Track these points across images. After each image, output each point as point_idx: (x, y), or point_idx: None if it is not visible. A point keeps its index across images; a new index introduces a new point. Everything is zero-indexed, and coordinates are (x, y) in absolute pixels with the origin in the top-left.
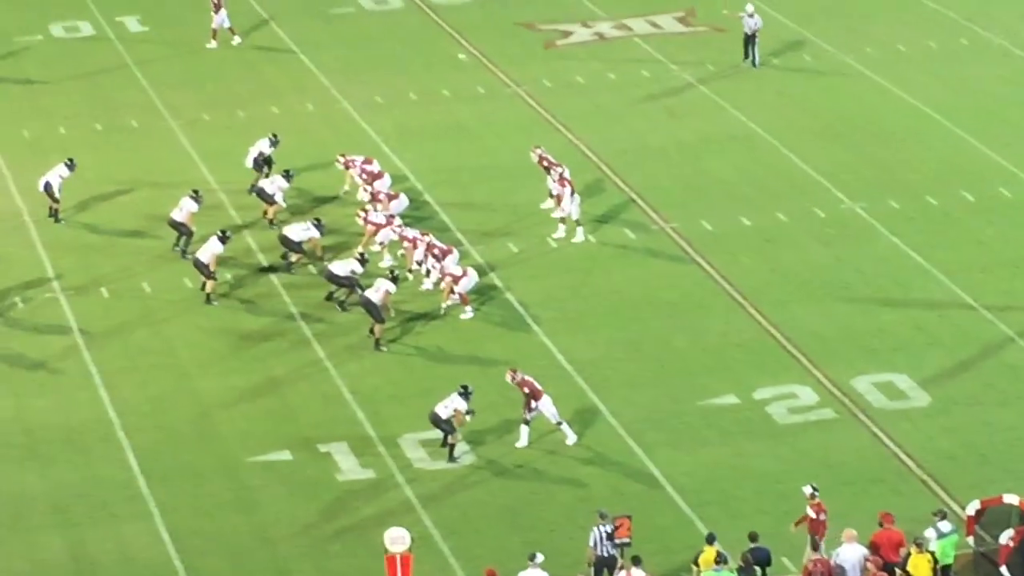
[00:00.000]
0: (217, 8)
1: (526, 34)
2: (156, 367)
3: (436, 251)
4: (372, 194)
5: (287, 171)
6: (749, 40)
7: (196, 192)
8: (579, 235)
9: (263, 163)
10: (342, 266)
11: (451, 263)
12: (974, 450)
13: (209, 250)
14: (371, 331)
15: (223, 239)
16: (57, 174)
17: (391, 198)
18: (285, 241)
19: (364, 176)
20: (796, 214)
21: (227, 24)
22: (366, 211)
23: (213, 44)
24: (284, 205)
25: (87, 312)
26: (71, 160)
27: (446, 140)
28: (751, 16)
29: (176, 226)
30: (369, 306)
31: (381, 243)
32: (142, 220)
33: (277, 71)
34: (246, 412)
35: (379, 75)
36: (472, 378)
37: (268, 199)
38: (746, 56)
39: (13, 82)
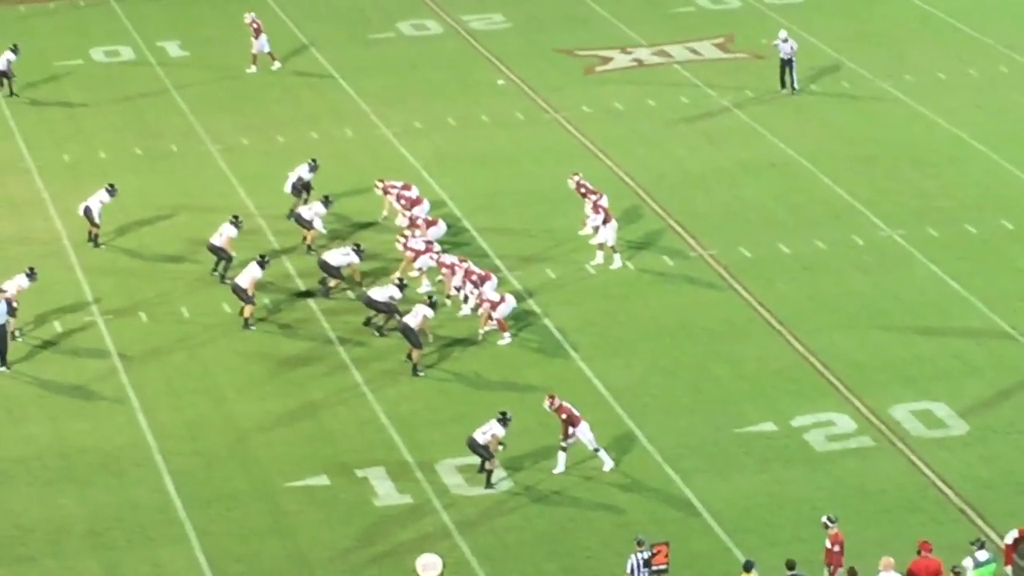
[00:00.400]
0: (257, 33)
1: (565, 60)
2: (194, 391)
3: (474, 277)
4: (410, 220)
5: (326, 197)
6: (786, 65)
7: (236, 218)
8: (616, 262)
9: (302, 188)
10: (381, 292)
11: (489, 289)
12: (1012, 479)
13: (248, 275)
14: (409, 356)
15: (262, 264)
16: (98, 199)
17: (429, 224)
18: (324, 266)
19: (402, 202)
20: (834, 241)
21: (267, 49)
22: (405, 237)
23: (253, 69)
24: (324, 231)
25: (125, 336)
26: (112, 185)
27: (485, 166)
28: (785, 41)
29: (215, 251)
30: (407, 331)
31: (419, 269)
32: (181, 244)
33: (316, 96)
34: (283, 436)
35: (418, 101)
36: (509, 404)
37: (306, 225)
38: (783, 83)
39: (54, 106)
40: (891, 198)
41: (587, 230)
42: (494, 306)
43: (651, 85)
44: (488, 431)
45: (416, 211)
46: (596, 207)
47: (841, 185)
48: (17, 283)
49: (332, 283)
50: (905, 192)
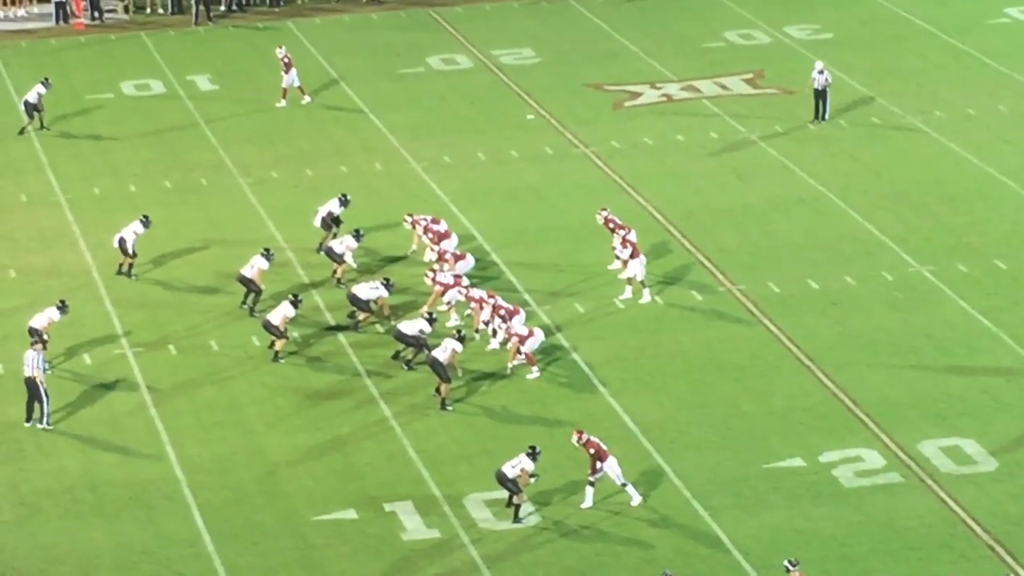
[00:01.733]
0: (287, 68)
1: (595, 95)
2: (222, 424)
3: (503, 312)
4: (439, 254)
5: (357, 231)
6: (820, 96)
7: (267, 250)
8: (646, 296)
9: (331, 223)
10: (411, 326)
11: (517, 324)
12: None
13: (280, 313)
14: (437, 390)
15: (295, 304)
16: (132, 230)
17: (458, 258)
18: (353, 300)
19: (430, 235)
20: (864, 277)
21: (297, 83)
22: (434, 271)
23: (283, 103)
24: (354, 265)
25: (154, 369)
26: (146, 216)
27: (514, 200)
28: (820, 72)
29: (245, 283)
30: (436, 366)
31: (448, 303)
32: (210, 277)
33: (346, 131)
34: (311, 470)
35: (447, 135)
36: (538, 439)
37: (337, 259)
38: (816, 114)
39: (84, 139)
40: (921, 234)
41: (616, 264)
42: (522, 340)
43: (680, 120)
44: (518, 465)
45: (445, 245)
46: (624, 242)
47: (871, 221)
48: (48, 316)
49: (361, 317)
50: (935, 228)
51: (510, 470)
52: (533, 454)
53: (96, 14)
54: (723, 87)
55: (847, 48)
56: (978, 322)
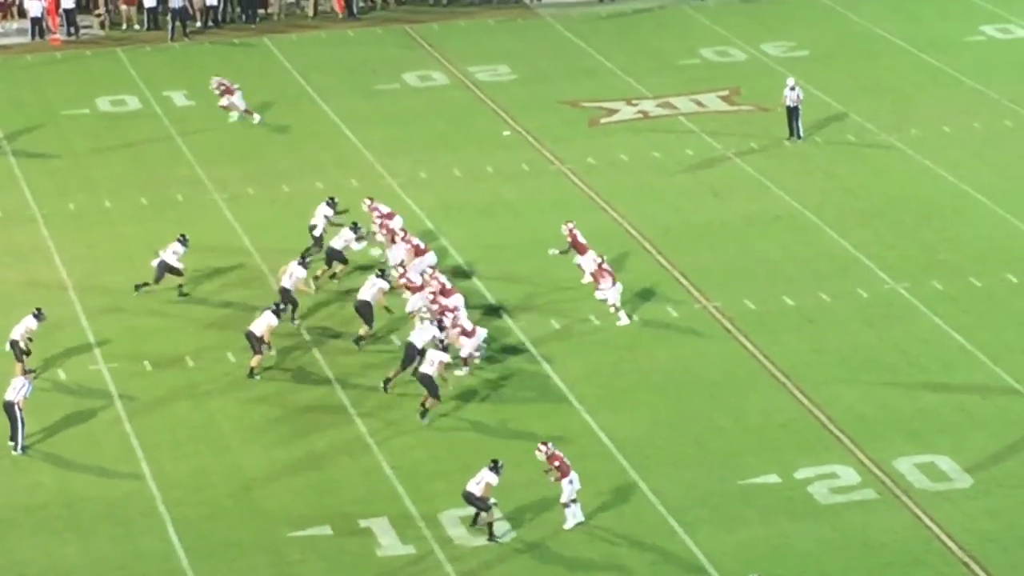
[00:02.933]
0: (229, 92)
1: (571, 112)
2: (197, 440)
3: (459, 327)
4: (389, 231)
5: (355, 224)
6: (792, 113)
7: (278, 306)
8: (623, 319)
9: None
10: (421, 335)
11: (463, 316)
12: (1016, 532)
13: (264, 323)
14: (423, 403)
15: (278, 312)
16: (171, 251)
17: (419, 252)
18: (362, 307)
19: (383, 228)
20: (839, 294)
21: (243, 107)
22: (404, 267)
23: (257, 118)
24: (357, 247)
25: (130, 384)
26: (184, 236)
27: (490, 216)
28: (792, 89)
29: (285, 294)
30: (426, 381)
31: (411, 312)
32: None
33: (322, 146)
34: (287, 486)
35: (423, 151)
36: (514, 454)
37: (339, 257)
38: (791, 131)
39: (60, 155)
40: (896, 251)
41: (587, 278)
42: (466, 333)
43: (656, 137)
44: (481, 481)
45: (394, 224)
46: (601, 270)
47: (846, 238)
48: (25, 325)
49: (362, 331)
50: (910, 245)
51: (475, 487)
52: (495, 467)
53: (72, 30)
54: (699, 104)
55: (823, 65)
56: (953, 339)
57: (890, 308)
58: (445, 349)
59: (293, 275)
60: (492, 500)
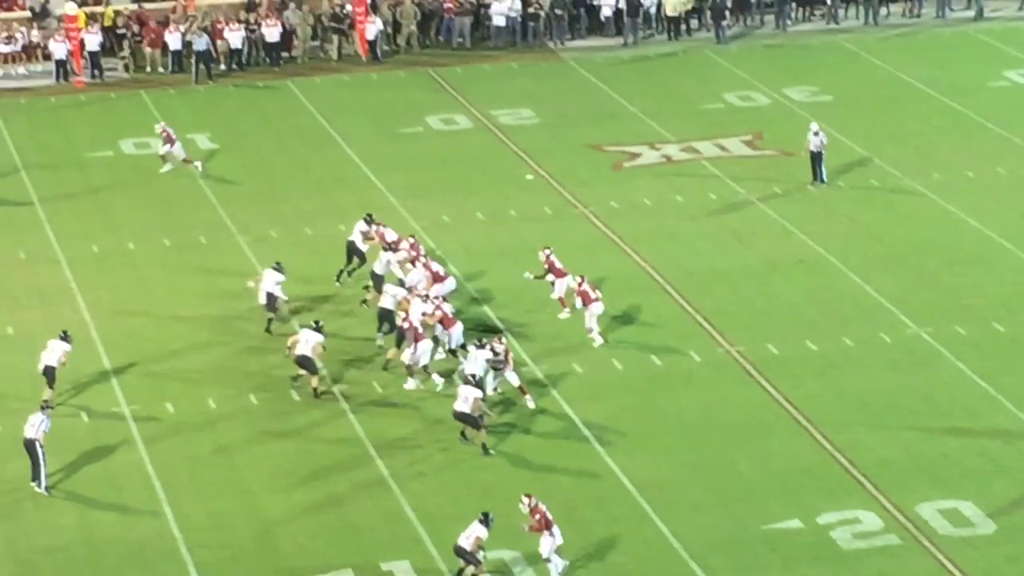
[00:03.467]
0: (171, 142)
1: (594, 155)
2: (219, 483)
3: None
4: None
5: (390, 244)
6: (816, 158)
7: (317, 322)
8: (596, 340)
9: (355, 253)
10: (477, 361)
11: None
12: None
13: (309, 344)
14: (463, 434)
15: (318, 328)
16: (273, 281)
17: (438, 279)
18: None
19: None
20: (862, 339)
21: (184, 156)
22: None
23: (167, 168)
24: (400, 274)
25: (151, 425)
26: (279, 264)
27: (513, 260)
28: (816, 134)
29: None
30: (464, 418)
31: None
32: (208, 335)
33: (345, 189)
34: (309, 529)
35: (447, 195)
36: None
37: (378, 283)
38: (814, 176)
39: (83, 197)
40: (919, 296)
41: (565, 314)
42: (446, 322)
43: (679, 181)
44: (472, 535)
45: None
46: (581, 292)
47: (869, 282)
48: (61, 349)
49: (391, 355)
50: (933, 290)
51: (465, 541)
52: (486, 520)
53: (96, 72)
54: (722, 148)
55: (846, 110)
56: (976, 384)
57: (913, 353)
58: (479, 385)
59: (310, 341)
60: (482, 553)
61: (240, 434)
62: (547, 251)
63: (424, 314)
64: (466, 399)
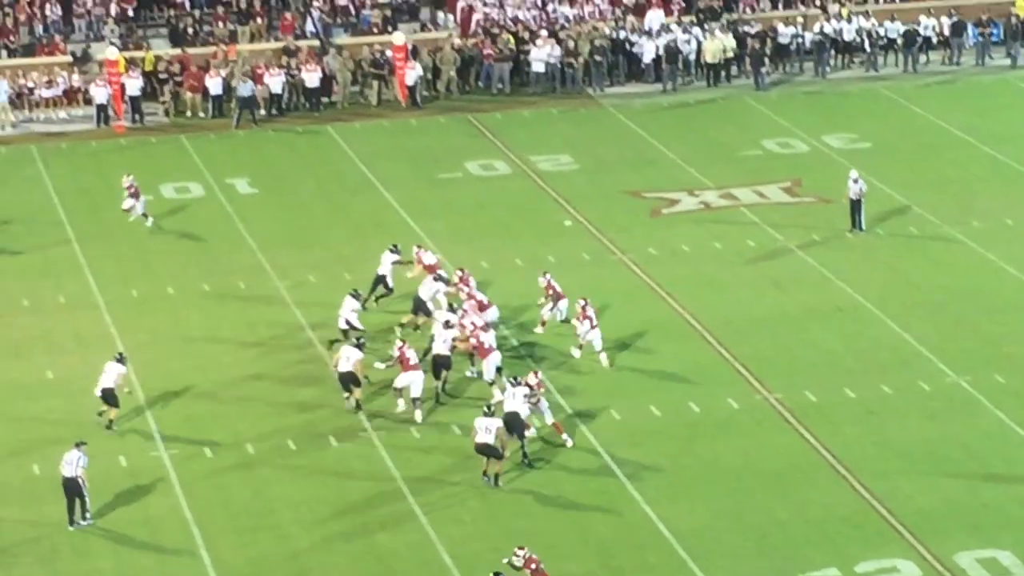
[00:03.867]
0: (135, 195)
1: (632, 201)
2: (257, 528)
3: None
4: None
5: (439, 275)
6: (855, 206)
7: (358, 339)
8: (603, 361)
9: (381, 283)
10: (516, 401)
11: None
12: None
13: (352, 360)
14: (485, 473)
15: (360, 346)
16: (350, 308)
17: (483, 307)
18: (440, 361)
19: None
20: (900, 387)
21: (141, 211)
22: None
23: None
24: (442, 305)
25: (189, 470)
26: (356, 290)
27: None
28: (855, 182)
29: (344, 378)
30: (487, 450)
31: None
32: (246, 380)
33: (384, 235)
34: (345, 574)
35: (485, 240)
36: (572, 546)
37: (423, 307)
38: (853, 223)
39: (123, 241)
40: (958, 344)
41: (578, 348)
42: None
43: (718, 228)
44: None
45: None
46: (584, 315)
47: (908, 330)
48: (116, 372)
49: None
50: (972, 338)
51: None
52: None
53: (137, 117)
54: (761, 195)
55: (885, 157)
56: (1015, 433)
57: (952, 401)
58: (536, 403)
59: (350, 358)
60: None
61: (278, 479)
62: (547, 277)
63: (454, 339)
64: (489, 430)
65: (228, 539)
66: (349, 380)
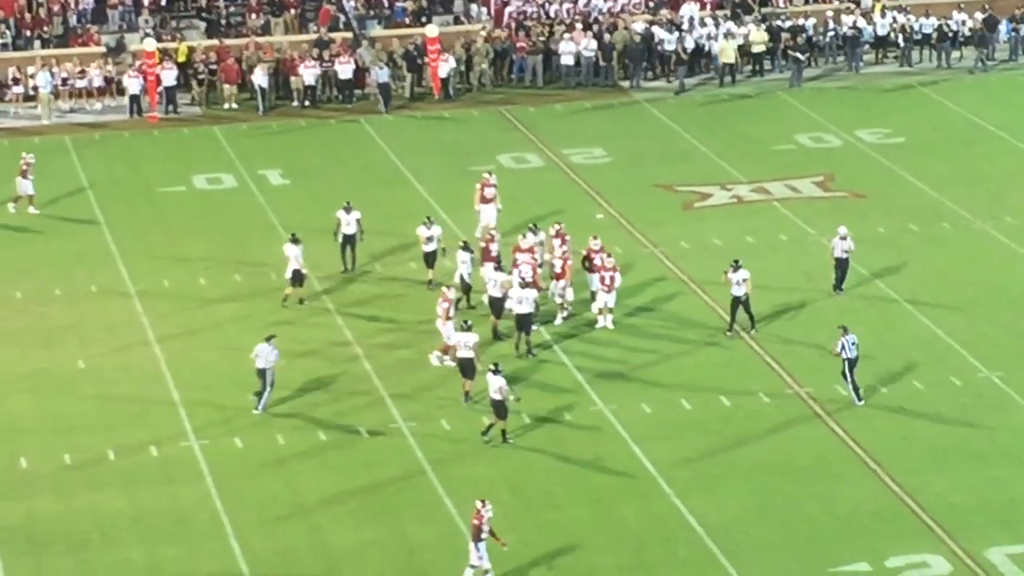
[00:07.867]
0: (25, 175)
1: (665, 195)
2: (287, 519)
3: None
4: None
5: (465, 243)
6: (840, 264)
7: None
8: (608, 321)
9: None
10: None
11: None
12: None
13: (497, 385)
14: (487, 430)
15: (497, 371)
16: (461, 260)
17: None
18: (492, 302)
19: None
20: (932, 382)
21: (30, 192)
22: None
23: (12, 208)
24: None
25: (220, 461)
26: (465, 243)
27: (581, 298)
28: (843, 239)
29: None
30: (498, 406)
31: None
32: (279, 370)
33: (416, 226)
34: (376, 566)
35: (517, 233)
36: (604, 541)
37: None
38: (836, 284)
39: (155, 232)
40: (990, 339)
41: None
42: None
43: (750, 222)
44: None
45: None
46: (602, 268)
47: (940, 326)
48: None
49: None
50: (1004, 334)
51: None
52: None
53: (170, 107)
54: (793, 189)
55: (918, 153)
56: None
57: (983, 397)
58: (498, 373)
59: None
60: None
61: (308, 471)
62: (559, 226)
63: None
64: (499, 389)
65: (258, 530)
66: (465, 368)
